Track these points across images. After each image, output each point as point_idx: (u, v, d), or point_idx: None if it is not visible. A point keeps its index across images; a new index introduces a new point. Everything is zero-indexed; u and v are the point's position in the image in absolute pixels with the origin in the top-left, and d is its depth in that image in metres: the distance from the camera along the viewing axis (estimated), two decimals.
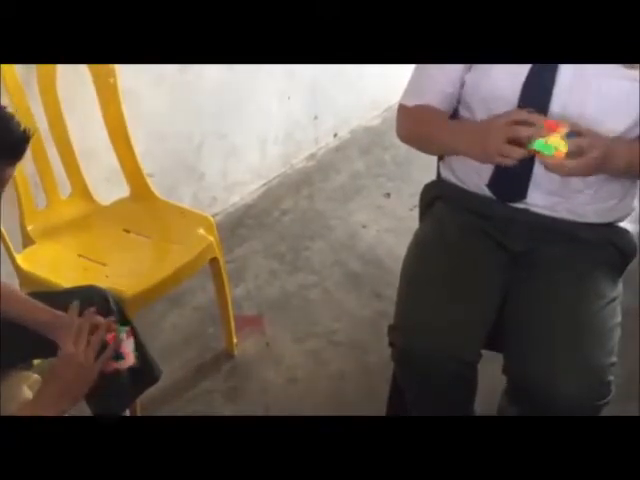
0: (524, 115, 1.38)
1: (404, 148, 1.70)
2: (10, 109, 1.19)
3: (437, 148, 1.65)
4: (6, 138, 1.14)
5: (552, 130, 1.35)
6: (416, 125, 1.61)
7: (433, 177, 1.76)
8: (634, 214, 1.63)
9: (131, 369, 1.41)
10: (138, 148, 2.05)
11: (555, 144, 1.34)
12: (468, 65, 1.51)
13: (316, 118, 3.18)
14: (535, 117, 1.37)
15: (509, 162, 1.38)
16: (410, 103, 1.61)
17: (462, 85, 1.55)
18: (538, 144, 1.35)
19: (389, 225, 2.81)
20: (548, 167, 1.37)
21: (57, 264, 1.87)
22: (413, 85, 1.63)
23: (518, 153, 1.37)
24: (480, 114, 1.52)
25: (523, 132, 1.36)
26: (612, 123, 1.44)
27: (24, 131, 1.17)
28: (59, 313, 1.39)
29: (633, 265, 1.62)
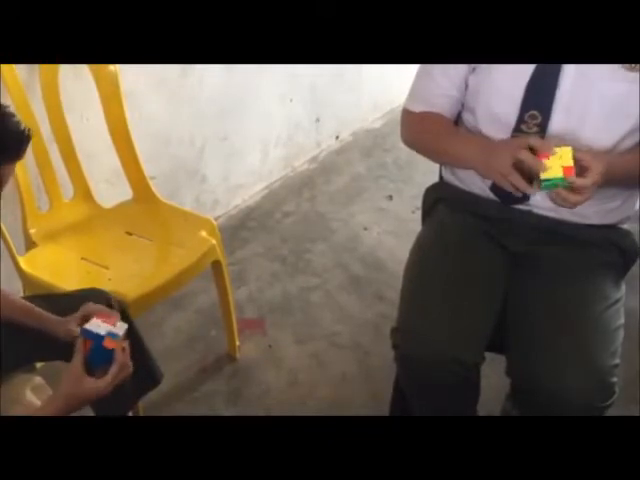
0: (539, 142, 1.37)
1: (406, 150, 1.69)
2: (11, 109, 1.19)
3: (443, 158, 1.65)
4: (6, 137, 1.13)
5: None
6: (423, 134, 1.61)
7: (435, 179, 1.76)
8: (636, 215, 1.63)
9: (133, 372, 1.40)
10: (140, 151, 2.05)
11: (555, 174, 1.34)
12: (471, 67, 1.52)
13: (318, 120, 3.19)
14: (547, 146, 1.35)
15: (507, 186, 1.38)
16: (416, 109, 1.61)
17: (466, 87, 1.55)
18: (545, 185, 1.34)
19: (391, 227, 2.82)
20: (555, 202, 1.39)
21: (60, 267, 1.87)
22: (417, 90, 1.62)
23: (518, 181, 1.36)
24: (483, 117, 1.53)
25: (529, 159, 1.35)
26: (614, 125, 1.44)
27: (24, 130, 1.16)
28: (58, 319, 1.38)
29: (635, 267, 1.61)
